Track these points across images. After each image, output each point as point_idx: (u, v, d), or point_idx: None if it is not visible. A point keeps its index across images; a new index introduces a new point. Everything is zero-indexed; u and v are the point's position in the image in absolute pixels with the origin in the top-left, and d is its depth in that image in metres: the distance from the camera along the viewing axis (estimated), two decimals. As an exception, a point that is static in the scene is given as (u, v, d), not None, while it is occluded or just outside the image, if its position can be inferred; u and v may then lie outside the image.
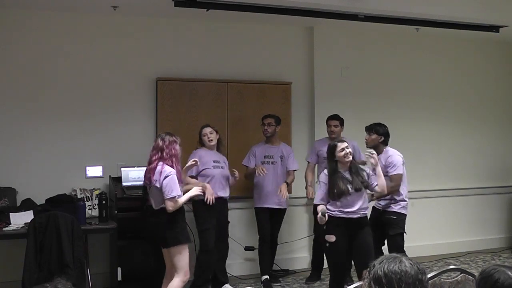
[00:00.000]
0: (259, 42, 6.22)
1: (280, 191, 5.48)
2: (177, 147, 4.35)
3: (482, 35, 6.64)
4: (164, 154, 4.29)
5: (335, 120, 5.70)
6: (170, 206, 4.20)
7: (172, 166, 4.25)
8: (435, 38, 6.90)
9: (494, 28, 6.28)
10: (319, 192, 4.58)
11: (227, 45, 6.08)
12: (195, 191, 4.44)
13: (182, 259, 4.27)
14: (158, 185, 4.24)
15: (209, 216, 5.17)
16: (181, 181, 4.33)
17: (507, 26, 6.22)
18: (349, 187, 4.42)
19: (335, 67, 6.46)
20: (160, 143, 4.33)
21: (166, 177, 4.19)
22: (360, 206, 4.49)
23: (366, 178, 4.53)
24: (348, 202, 4.44)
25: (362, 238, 4.49)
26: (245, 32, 6.16)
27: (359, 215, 4.49)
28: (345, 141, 4.57)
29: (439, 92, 7.02)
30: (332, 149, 4.53)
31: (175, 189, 4.19)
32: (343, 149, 4.47)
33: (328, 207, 4.50)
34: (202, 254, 5.22)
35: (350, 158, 4.49)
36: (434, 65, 7.02)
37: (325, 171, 4.60)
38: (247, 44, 6.17)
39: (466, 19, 5.98)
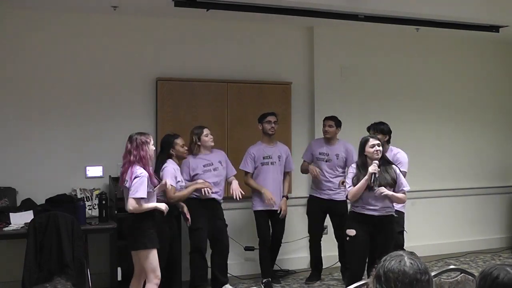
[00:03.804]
0: (259, 42, 6.22)
1: (281, 209, 5.51)
2: (147, 147, 4.21)
3: (482, 35, 6.64)
4: (132, 157, 4.18)
5: (331, 120, 5.69)
6: (130, 205, 4.09)
7: (144, 168, 4.16)
8: (435, 38, 6.90)
9: (494, 28, 6.28)
10: (349, 180, 4.53)
11: (227, 45, 6.07)
12: (162, 206, 4.29)
13: (150, 262, 4.19)
14: (127, 185, 4.16)
15: (201, 215, 5.13)
16: (153, 184, 4.23)
17: (507, 26, 6.22)
18: (375, 182, 4.43)
19: (335, 67, 6.46)
20: (128, 145, 4.22)
21: (136, 177, 4.10)
22: (383, 205, 4.50)
23: (395, 178, 4.53)
24: (370, 199, 4.45)
25: (382, 238, 4.52)
26: (245, 32, 6.16)
27: (380, 213, 4.50)
28: (377, 138, 4.56)
29: (439, 92, 7.02)
30: (363, 144, 4.53)
31: (140, 190, 4.07)
32: (373, 145, 4.46)
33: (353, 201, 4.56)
34: (193, 254, 5.21)
35: (380, 155, 4.47)
36: (434, 65, 7.02)
37: (354, 164, 4.62)
38: (247, 44, 6.17)
39: (466, 19, 5.98)
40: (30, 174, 5.33)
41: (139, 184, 4.09)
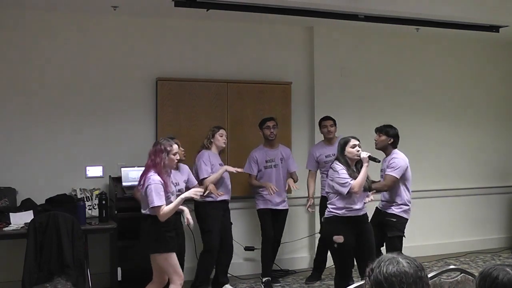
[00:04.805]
0: (259, 42, 6.22)
1: (288, 185, 5.53)
2: (165, 155, 4.16)
3: (482, 35, 6.64)
4: (150, 161, 4.20)
5: (330, 120, 5.70)
6: (158, 215, 4.09)
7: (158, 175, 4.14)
8: (435, 38, 6.90)
9: (494, 28, 6.28)
10: (345, 175, 4.41)
11: (227, 45, 6.07)
12: (186, 194, 4.23)
13: (169, 265, 4.16)
14: (142, 191, 4.17)
15: (213, 217, 5.19)
16: (167, 190, 4.19)
17: (507, 26, 6.22)
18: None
19: (335, 67, 6.45)
20: (151, 148, 4.26)
21: (148, 185, 4.08)
22: (363, 204, 4.56)
23: (370, 184, 4.60)
24: (356, 199, 4.46)
25: (366, 236, 4.55)
26: (245, 32, 6.16)
27: (363, 212, 4.57)
28: (358, 139, 4.53)
29: (439, 92, 7.02)
30: (343, 145, 4.52)
31: (155, 199, 4.03)
32: (354, 146, 4.47)
33: (334, 205, 4.50)
34: (204, 255, 5.24)
35: (359, 157, 4.48)
36: (434, 65, 7.02)
37: (336, 162, 4.52)
38: (247, 44, 6.17)
39: (466, 19, 5.98)
40: (30, 174, 5.33)
41: (152, 193, 4.04)
